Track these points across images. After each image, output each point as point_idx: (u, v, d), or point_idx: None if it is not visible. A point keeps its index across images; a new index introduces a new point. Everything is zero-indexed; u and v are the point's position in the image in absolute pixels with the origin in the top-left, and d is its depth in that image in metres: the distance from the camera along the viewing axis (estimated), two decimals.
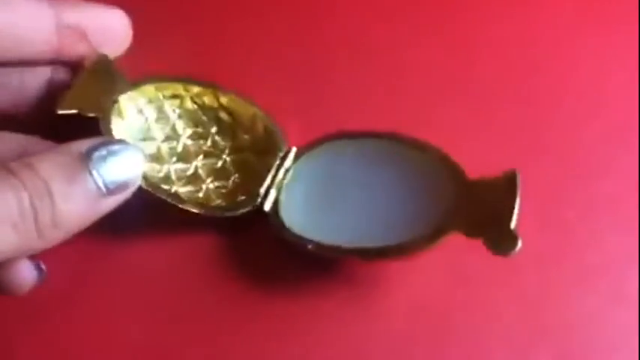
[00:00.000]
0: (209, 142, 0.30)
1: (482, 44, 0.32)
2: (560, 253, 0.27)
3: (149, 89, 0.29)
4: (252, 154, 0.29)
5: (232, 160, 0.29)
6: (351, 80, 0.32)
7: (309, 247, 0.25)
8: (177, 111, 0.30)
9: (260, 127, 0.29)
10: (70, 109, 0.27)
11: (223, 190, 0.29)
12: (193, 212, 0.27)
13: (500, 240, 0.22)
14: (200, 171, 0.29)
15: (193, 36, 0.33)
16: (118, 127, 0.28)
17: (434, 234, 0.23)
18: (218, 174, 0.29)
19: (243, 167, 0.29)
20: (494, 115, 0.31)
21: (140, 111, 0.29)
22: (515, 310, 0.26)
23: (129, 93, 0.28)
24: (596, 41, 0.32)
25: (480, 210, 0.23)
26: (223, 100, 0.30)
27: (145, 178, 0.26)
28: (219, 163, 0.29)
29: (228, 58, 0.33)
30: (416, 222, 0.25)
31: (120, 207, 0.24)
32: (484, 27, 0.33)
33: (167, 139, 0.29)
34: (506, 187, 0.23)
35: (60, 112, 0.27)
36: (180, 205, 0.27)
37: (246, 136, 0.30)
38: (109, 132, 0.27)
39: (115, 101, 0.28)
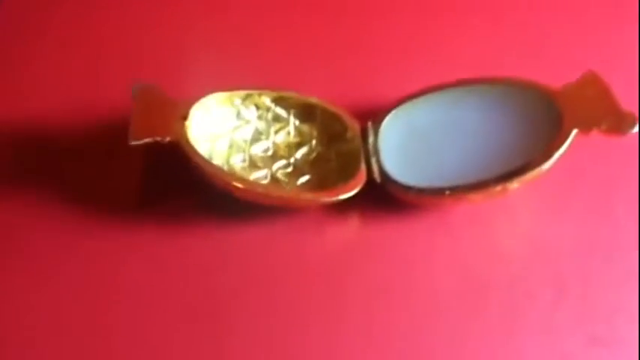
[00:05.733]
0: (293, 133, 0.29)
1: None
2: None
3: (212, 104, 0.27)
4: (325, 139, 0.29)
5: (321, 145, 0.29)
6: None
7: (447, 192, 0.25)
8: (256, 113, 0.28)
9: (320, 113, 0.29)
10: (143, 138, 0.24)
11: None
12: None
13: (620, 122, 0.24)
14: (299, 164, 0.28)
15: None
16: (197, 146, 0.25)
17: (559, 139, 0.25)
18: (316, 162, 0.28)
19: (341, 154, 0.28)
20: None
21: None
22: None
23: (197, 111, 0.26)
24: None
25: (585, 107, 0.25)
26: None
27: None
28: (314, 153, 0.29)
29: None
30: (528, 141, 0.26)
31: None
32: None
33: (254, 141, 0.28)
34: (592, 83, 0.26)
35: (133, 143, 0.24)
36: (304, 198, 0.26)
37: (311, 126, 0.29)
38: (195, 151, 0.25)
39: (185, 119, 0.25)
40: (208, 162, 0.25)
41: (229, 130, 0.28)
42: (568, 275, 0.26)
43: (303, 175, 0.28)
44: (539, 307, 0.25)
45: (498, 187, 0.25)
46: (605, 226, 0.27)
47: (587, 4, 0.33)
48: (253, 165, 0.28)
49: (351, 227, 0.27)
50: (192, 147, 0.25)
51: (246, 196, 0.25)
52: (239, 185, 0.25)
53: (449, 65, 0.31)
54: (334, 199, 0.26)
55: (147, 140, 0.24)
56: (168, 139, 0.25)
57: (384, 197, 0.27)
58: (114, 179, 0.28)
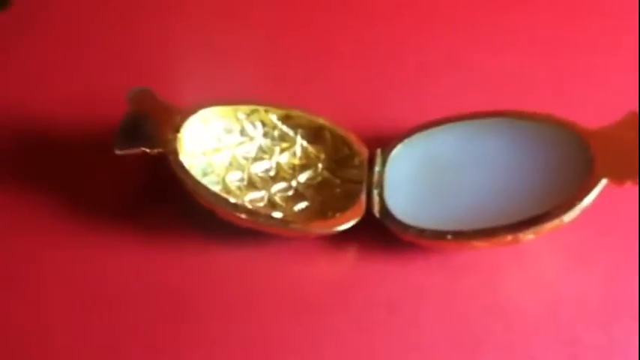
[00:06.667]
0: (299, 155, 0.27)
1: None
2: None
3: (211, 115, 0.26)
4: (332, 164, 0.27)
5: (327, 170, 0.27)
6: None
7: (449, 237, 0.23)
8: (262, 130, 0.27)
9: (329, 136, 0.27)
10: (130, 148, 0.23)
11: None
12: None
13: None
14: (300, 189, 0.26)
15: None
16: (193, 160, 0.24)
17: (585, 188, 0.22)
18: (319, 187, 0.26)
19: (341, 178, 0.26)
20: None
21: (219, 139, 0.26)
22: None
23: (193, 123, 0.25)
24: None
25: (620, 153, 0.22)
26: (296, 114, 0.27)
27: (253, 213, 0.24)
28: (319, 178, 0.27)
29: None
30: (551, 187, 0.23)
31: None
32: None
33: (256, 160, 0.27)
34: (633, 127, 0.23)
35: (118, 152, 0.23)
36: (293, 228, 0.24)
37: (319, 148, 0.27)
38: (181, 166, 0.23)
39: (177, 130, 0.24)
40: (193, 179, 0.23)
41: (231, 146, 0.27)
42: (583, 342, 0.23)
43: (302, 200, 0.26)
44: None
45: (509, 237, 0.22)
46: (633, 290, 0.23)
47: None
48: (251, 185, 0.26)
49: (344, 261, 0.25)
50: (178, 161, 0.23)
51: (232, 220, 0.24)
52: (222, 209, 0.23)
53: (475, 94, 0.28)
54: (326, 231, 0.24)
55: (133, 150, 0.23)
56: (157, 150, 0.24)
57: (385, 233, 0.24)
58: (108, 184, 0.27)
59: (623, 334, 0.23)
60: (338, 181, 0.26)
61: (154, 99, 0.25)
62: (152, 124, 0.24)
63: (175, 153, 0.24)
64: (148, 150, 0.23)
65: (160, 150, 0.23)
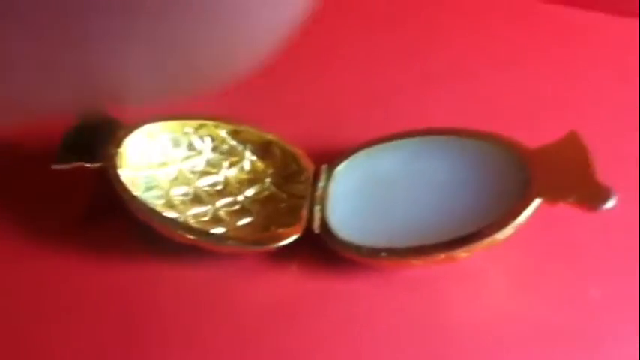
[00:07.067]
0: (247, 169, 0.27)
1: None
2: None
3: (156, 130, 0.26)
4: (279, 179, 0.27)
5: (274, 185, 0.27)
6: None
7: (383, 254, 0.23)
8: (211, 145, 0.27)
9: (277, 151, 0.27)
10: (69, 162, 0.23)
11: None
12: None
13: (592, 196, 0.21)
14: (246, 205, 0.26)
15: None
16: (137, 174, 0.25)
17: (518, 207, 0.22)
18: (265, 202, 0.26)
19: (284, 194, 0.26)
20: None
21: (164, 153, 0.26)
22: None
23: (137, 138, 0.25)
24: None
25: (557, 173, 0.22)
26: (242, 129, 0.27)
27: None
28: (266, 192, 0.27)
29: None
30: (489, 205, 0.23)
31: None
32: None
33: (203, 174, 0.27)
34: (572, 146, 0.23)
35: (55, 167, 0.23)
36: (228, 245, 0.24)
37: (267, 163, 0.27)
38: (118, 181, 0.24)
39: (119, 146, 0.24)
40: (129, 193, 0.23)
41: (178, 160, 0.27)
42: None
43: (247, 215, 0.26)
44: None
45: (441, 255, 0.22)
46: (576, 311, 0.23)
47: (587, 62, 0.30)
48: (197, 200, 0.26)
49: (286, 279, 0.25)
50: (116, 176, 0.24)
51: (170, 235, 0.24)
52: (158, 224, 0.23)
53: (423, 113, 0.28)
54: (264, 247, 0.24)
55: (72, 165, 0.23)
56: (96, 165, 0.24)
57: (327, 250, 0.24)
58: (58, 197, 0.27)
59: (565, 354, 0.23)
60: (284, 196, 0.26)
61: (103, 113, 0.25)
62: (96, 139, 0.24)
63: (114, 168, 0.24)
64: (87, 165, 0.24)
65: (100, 165, 0.24)
